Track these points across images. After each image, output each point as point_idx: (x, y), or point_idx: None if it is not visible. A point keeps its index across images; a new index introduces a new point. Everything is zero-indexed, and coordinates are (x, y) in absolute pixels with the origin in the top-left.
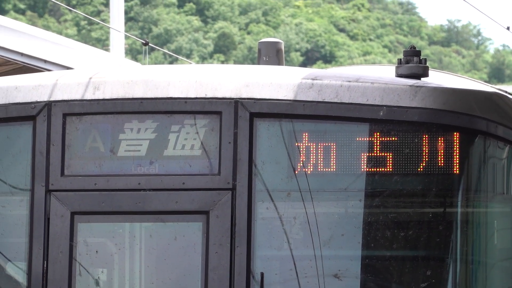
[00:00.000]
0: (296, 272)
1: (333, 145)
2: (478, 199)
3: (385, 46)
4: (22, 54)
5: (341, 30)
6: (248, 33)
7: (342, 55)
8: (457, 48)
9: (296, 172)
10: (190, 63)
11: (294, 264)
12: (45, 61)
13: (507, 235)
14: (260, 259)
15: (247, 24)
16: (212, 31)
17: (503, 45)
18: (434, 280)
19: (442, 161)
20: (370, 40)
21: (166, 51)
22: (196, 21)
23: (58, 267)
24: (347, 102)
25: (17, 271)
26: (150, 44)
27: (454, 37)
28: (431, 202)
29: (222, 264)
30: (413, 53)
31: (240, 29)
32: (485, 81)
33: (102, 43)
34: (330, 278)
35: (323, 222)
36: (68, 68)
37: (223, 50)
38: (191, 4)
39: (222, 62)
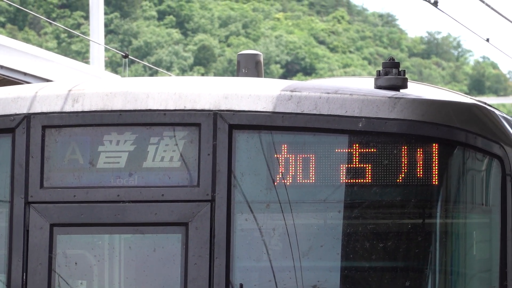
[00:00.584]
0: (275, 283)
1: (312, 157)
2: (457, 210)
3: (365, 58)
4: (2, 67)
5: (321, 43)
6: (228, 45)
7: (322, 67)
8: (437, 60)
9: (275, 183)
10: (170, 76)
11: (274, 275)
12: (25, 74)
13: (486, 246)
14: (239, 270)
15: (227, 37)
16: (192, 43)
17: (483, 57)
18: None
19: (421, 172)
20: (350, 52)
21: (146, 63)
22: (176, 34)
23: (37, 279)
24: (326, 113)
25: None
26: (130, 57)
27: (434, 49)
28: (410, 213)
29: (201, 275)
30: (392, 65)
31: (220, 41)
32: (465, 93)
33: (82, 55)
34: None
35: (302, 234)
36: (48, 80)
37: (203, 62)
38: (171, 17)
39: (202, 75)
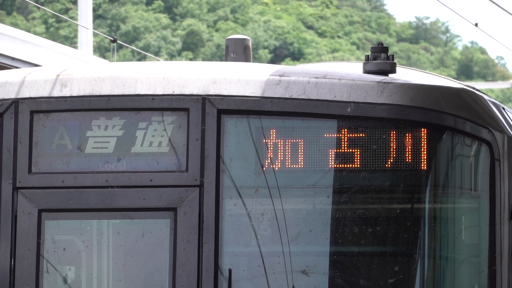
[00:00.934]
0: (264, 268)
1: (301, 142)
2: (446, 195)
3: (353, 43)
4: None
5: (309, 27)
6: (217, 30)
7: (311, 52)
8: (426, 45)
9: (264, 168)
10: (159, 60)
11: (262, 260)
12: (13, 59)
13: (475, 231)
14: (228, 256)
15: (215, 22)
16: (180, 28)
17: (472, 42)
18: (402, 275)
19: (409, 157)
20: (339, 37)
21: (134, 48)
22: (164, 19)
23: (25, 264)
24: (314, 98)
25: None
26: (118, 41)
27: (423, 34)
28: (398, 198)
29: (190, 260)
30: (380, 50)
31: (208, 26)
32: (454, 78)
33: (71, 40)
34: (298, 274)
35: (291, 219)
36: (36, 65)
37: (192, 47)
38: (159, 1)
39: (191, 60)
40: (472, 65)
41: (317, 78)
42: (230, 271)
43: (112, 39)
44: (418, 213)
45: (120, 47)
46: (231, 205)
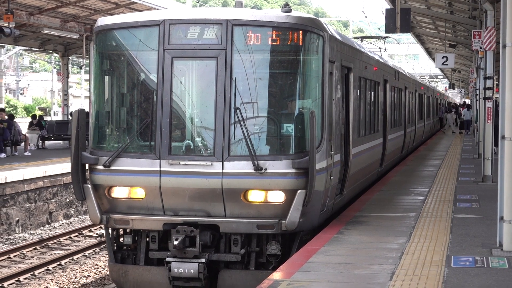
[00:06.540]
0: None
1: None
2: (307, 53)
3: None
4: None
5: None
6: None
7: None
8: None
9: None
10: None
11: None
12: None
13: (318, 68)
14: None
15: None
16: None
17: None
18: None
19: (295, 39)
20: None
21: None
22: None
23: None
24: (265, 20)
25: None
26: None
27: None
28: (290, 55)
29: None
30: (287, 4)
31: None
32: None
33: None
34: None
35: None
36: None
37: None
38: None
39: None
40: None
41: (266, 13)
42: None
43: None
44: (296, 63)
45: None
46: None
